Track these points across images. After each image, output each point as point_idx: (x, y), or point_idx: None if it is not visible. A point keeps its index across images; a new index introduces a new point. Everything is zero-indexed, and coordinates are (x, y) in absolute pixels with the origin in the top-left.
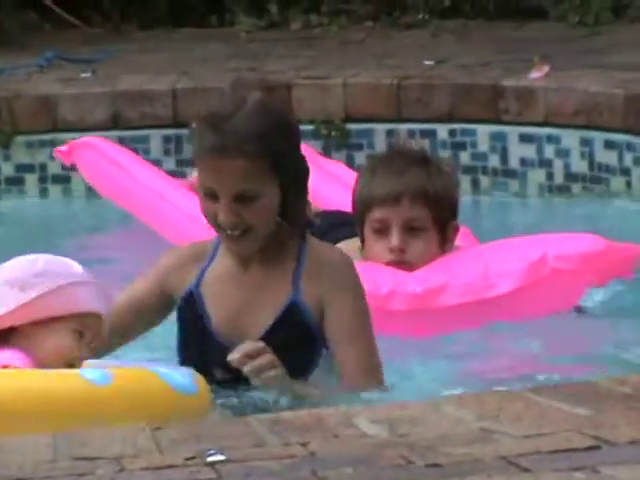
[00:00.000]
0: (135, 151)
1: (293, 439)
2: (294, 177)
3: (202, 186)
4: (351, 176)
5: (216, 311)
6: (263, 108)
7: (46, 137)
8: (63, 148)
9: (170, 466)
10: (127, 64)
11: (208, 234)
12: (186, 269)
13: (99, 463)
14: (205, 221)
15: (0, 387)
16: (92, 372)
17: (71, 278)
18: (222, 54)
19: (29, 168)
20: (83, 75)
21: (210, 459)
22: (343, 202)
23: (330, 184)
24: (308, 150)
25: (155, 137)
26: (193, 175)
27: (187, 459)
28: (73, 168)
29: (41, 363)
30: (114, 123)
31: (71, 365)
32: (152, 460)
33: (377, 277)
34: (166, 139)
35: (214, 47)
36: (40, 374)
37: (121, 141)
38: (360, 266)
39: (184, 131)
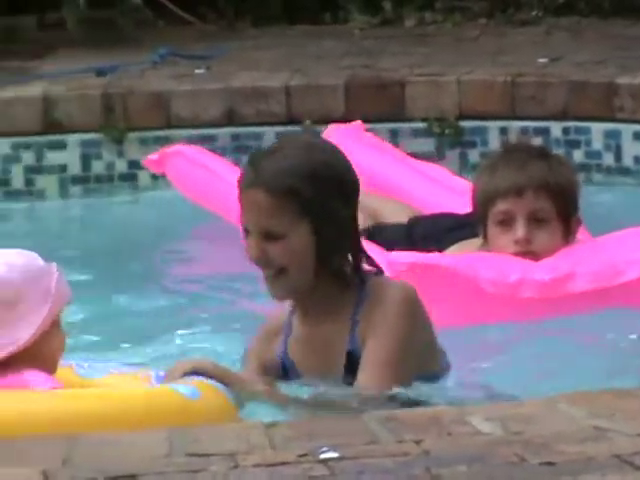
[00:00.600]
0: (249, 148)
1: (407, 437)
2: (329, 223)
3: (241, 221)
4: (447, 177)
5: (304, 372)
6: (306, 149)
7: (160, 133)
8: (153, 157)
9: (283, 463)
10: (241, 61)
11: None
12: (274, 343)
13: (213, 459)
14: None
15: (107, 408)
16: (184, 388)
17: (51, 273)
18: (336, 51)
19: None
20: (197, 71)
21: (323, 456)
22: (443, 204)
23: (426, 186)
24: (398, 153)
25: (269, 134)
26: None
27: (300, 456)
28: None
29: (49, 370)
30: (228, 120)
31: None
32: (265, 457)
33: (505, 265)
34: (280, 136)
35: (328, 44)
36: (140, 392)
37: (235, 138)
38: (486, 255)
39: (298, 128)
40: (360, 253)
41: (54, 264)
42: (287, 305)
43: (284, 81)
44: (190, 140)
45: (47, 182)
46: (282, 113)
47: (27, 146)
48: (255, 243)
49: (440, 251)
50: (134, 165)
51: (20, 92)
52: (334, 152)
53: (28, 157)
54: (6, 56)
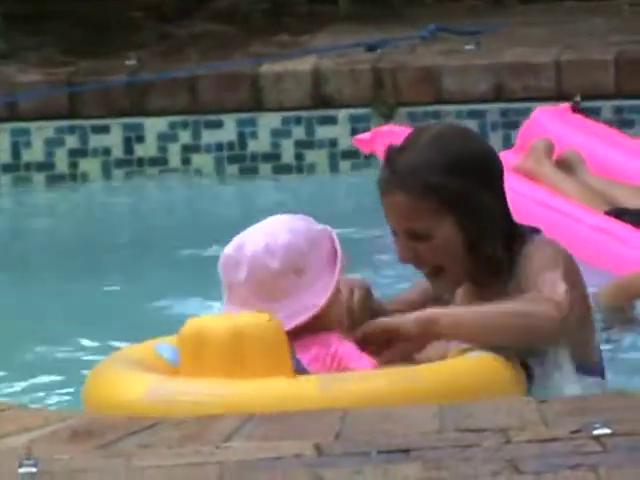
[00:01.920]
0: (518, 124)
1: None
2: (473, 213)
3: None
4: None
5: None
6: (438, 142)
7: (429, 109)
8: (364, 136)
9: (555, 439)
10: (510, 36)
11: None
12: None
13: (485, 435)
14: None
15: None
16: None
17: (329, 234)
18: (605, 27)
19: None
20: (467, 47)
21: (596, 432)
22: None
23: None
24: (608, 131)
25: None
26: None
27: (573, 432)
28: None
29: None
30: (497, 95)
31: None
32: (537, 432)
33: None
34: None
35: (597, 20)
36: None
37: (503, 114)
38: None
39: (567, 103)
40: (512, 233)
41: (327, 226)
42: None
43: (554, 56)
44: (459, 116)
45: (317, 157)
46: (551, 89)
47: (298, 121)
48: (403, 244)
49: None
50: None
51: (290, 66)
52: (468, 139)
53: (299, 132)
54: (277, 30)
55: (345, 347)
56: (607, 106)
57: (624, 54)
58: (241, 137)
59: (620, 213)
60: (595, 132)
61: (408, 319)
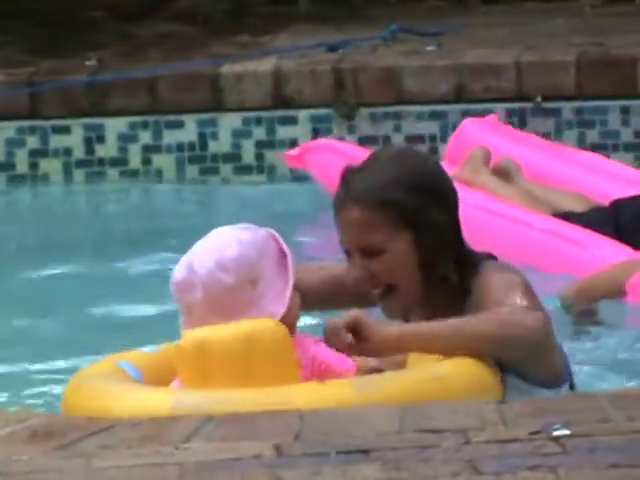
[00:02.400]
0: None
1: (638, 414)
2: (428, 232)
3: (340, 243)
4: (593, 160)
5: None
6: (397, 161)
7: (390, 109)
8: (294, 152)
9: (515, 440)
10: (472, 37)
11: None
12: None
13: (444, 436)
14: None
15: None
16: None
17: (274, 237)
18: (566, 28)
19: (373, 140)
20: (428, 48)
21: (555, 433)
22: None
23: (574, 171)
24: (539, 141)
25: (499, 110)
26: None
27: (532, 433)
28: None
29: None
30: (458, 96)
31: None
32: (497, 433)
33: None
34: (510, 113)
35: (558, 21)
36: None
37: (464, 114)
38: None
39: (528, 105)
40: (465, 257)
41: (269, 229)
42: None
43: (515, 57)
44: (420, 117)
45: (278, 157)
46: (512, 89)
47: (258, 121)
48: (357, 262)
49: None
50: (365, 140)
51: (251, 67)
52: (427, 160)
53: (259, 132)
54: (237, 31)
55: (322, 349)
56: (567, 107)
57: (585, 55)
58: (202, 137)
59: (567, 217)
60: (524, 141)
61: (391, 332)
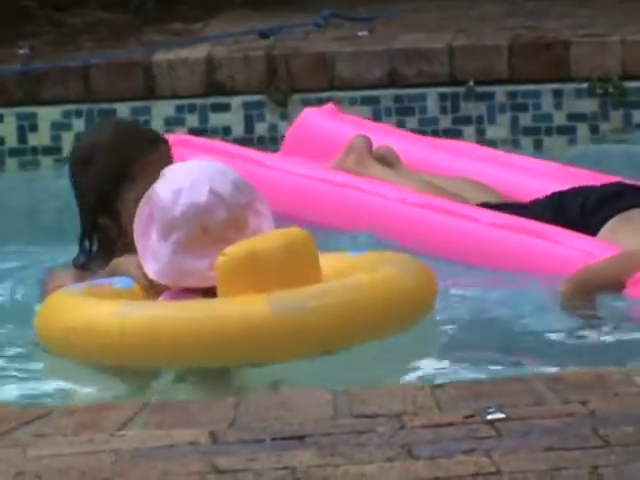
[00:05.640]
0: (412, 110)
1: (573, 397)
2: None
3: None
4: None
5: None
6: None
7: (323, 95)
8: None
9: (450, 424)
10: (403, 22)
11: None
12: None
13: (379, 420)
14: None
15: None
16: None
17: None
18: (499, 12)
19: None
20: (360, 33)
21: (490, 417)
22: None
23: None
24: (388, 127)
25: (431, 95)
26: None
27: (466, 417)
28: None
29: None
30: (390, 81)
31: None
32: (431, 417)
33: None
34: (443, 97)
35: (491, 5)
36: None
37: (397, 100)
38: None
39: (461, 89)
40: (92, 232)
41: None
42: None
43: (447, 42)
44: (353, 102)
45: None
46: (445, 74)
47: (191, 108)
48: None
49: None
50: None
51: (184, 54)
52: (102, 134)
53: (192, 119)
54: (170, 18)
55: None
56: (500, 91)
57: (518, 39)
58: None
59: (502, 209)
60: (370, 129)
61: None
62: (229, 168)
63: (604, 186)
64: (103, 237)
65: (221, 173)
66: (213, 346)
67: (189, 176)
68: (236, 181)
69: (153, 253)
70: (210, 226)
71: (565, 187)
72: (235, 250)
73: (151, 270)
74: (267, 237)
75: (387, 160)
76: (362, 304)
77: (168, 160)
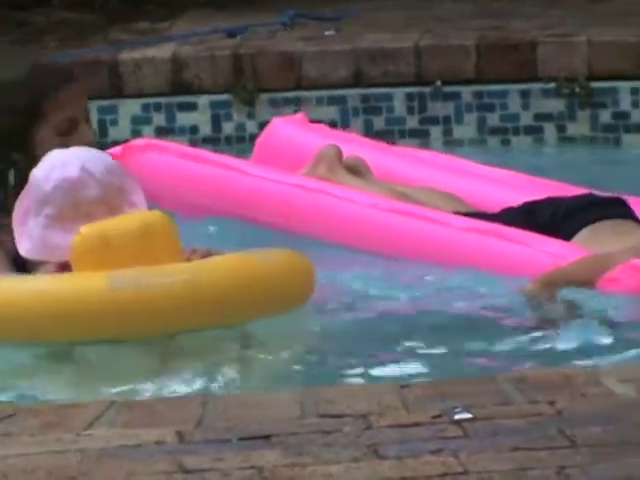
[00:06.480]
0: (378, 109)
1: (540, 397)
2: None
3: None
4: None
5: None
6: None
7: (290, 94)
8: (116, 150)
9: (416, 424)
10: (370, 22)
11: None
12: None
13: (345, 420)
14: None
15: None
16: None
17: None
18: (466, 12)
19: None
20: (327, 33)
21: (457, 417)
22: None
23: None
24: (356, 137)
25: (398, 95)
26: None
27: (434, 417)
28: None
29: None
30: (356, 81)
31: None
32: (398, 418)
33: None
34: (409, 97)
35: (458, 5)
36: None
37: (364, 99)
38: None
39: (427, 89)
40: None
41: None
42: None
43: (414, 41)
44: (319, 102)
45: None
46: (411, 74)
47: (157, 107)
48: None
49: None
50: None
51: (150, 53)
52: (15, 72)
53: (159, 118)
54: (136, 17)
55: None
56: (467, 91)
57: (484, 39)
58: (102, 124)
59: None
60: (339, 138)
61: None
62: (107, 155)
63: (574, 197)
64: (18, 174)
65: (96, 157)
66: (48, 320)
67: (63, 156)
68: (110, 165)
69: (28, 234)
70: (81, 202)
71: (535, 198)
72: (89, 231)
73: (24, 249)
74: (123, 219)
75: (357, 170)
76: (203, 284)
77: (81, 99)
